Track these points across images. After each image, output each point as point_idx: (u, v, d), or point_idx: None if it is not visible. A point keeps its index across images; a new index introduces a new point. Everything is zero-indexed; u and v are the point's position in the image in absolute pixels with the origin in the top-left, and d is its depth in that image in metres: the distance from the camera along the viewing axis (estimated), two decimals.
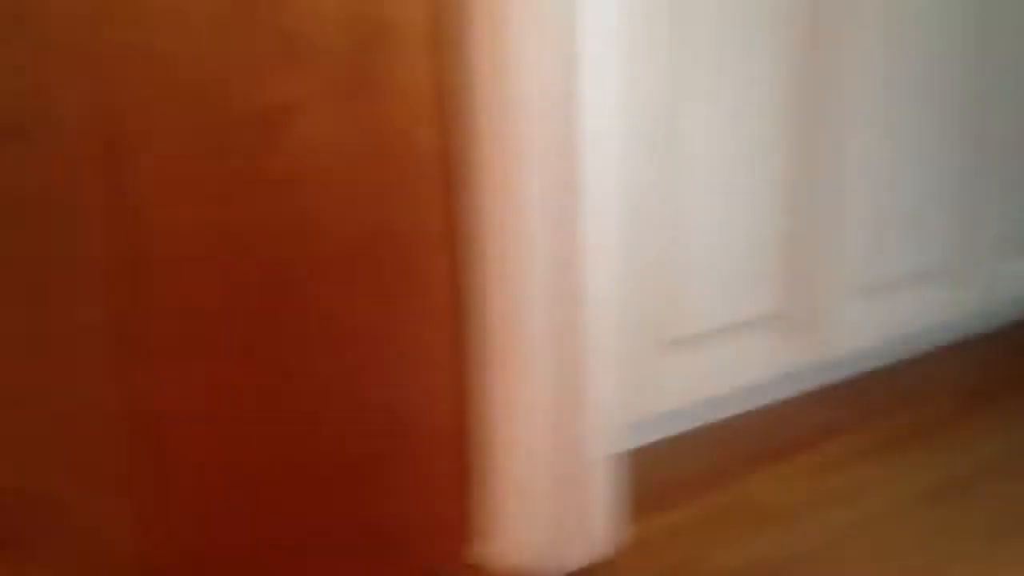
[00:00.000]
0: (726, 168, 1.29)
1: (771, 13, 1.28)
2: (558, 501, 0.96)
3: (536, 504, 0.96)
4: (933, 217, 1.58)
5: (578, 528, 0.99)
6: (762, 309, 1.38)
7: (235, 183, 0.73)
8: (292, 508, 0.82)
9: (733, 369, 1.37)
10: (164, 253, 0.71)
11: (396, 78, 0.78)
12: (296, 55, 0.72)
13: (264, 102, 0.72)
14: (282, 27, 0.71)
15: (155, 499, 0.75)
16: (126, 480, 0.75)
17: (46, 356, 0.74)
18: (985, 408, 1.45)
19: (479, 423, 0.93)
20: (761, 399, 1.48)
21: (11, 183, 0.69)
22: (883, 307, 1.53)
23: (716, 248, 1.30)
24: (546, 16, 0.82)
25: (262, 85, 0.71)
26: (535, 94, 0.84)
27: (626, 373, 1.15)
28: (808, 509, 1.15)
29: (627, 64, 1.12)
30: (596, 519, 1.00)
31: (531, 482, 0.95)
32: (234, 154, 0.72)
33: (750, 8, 1.26)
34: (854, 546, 1.07)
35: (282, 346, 0.78)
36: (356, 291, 0.81)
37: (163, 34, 0.67)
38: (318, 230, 0.77)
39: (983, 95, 1.61)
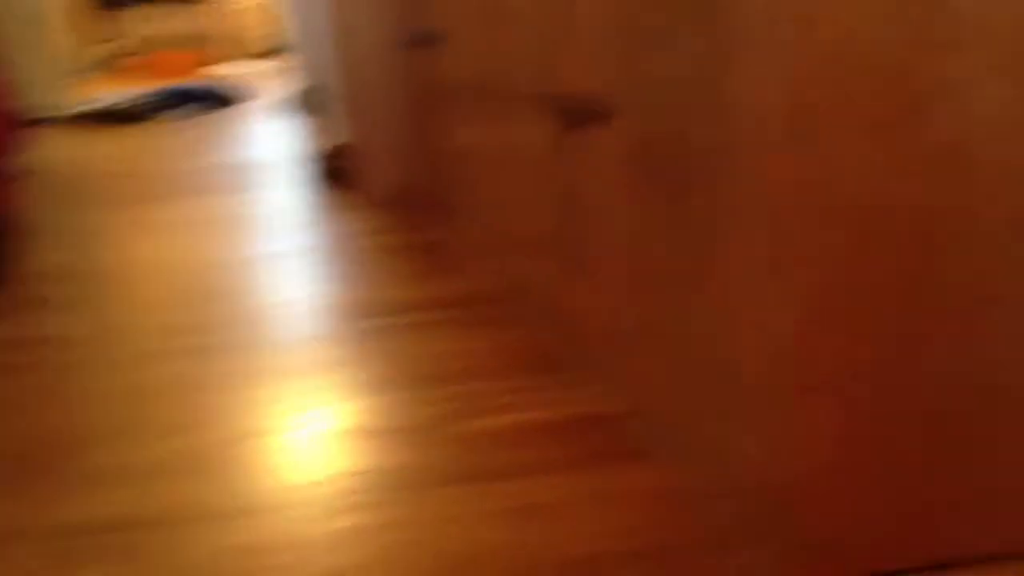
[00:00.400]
0: None
1: None
2: None
3: None
4: None
5: None
6: None
7: (899, 157, 0.78)
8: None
9: None
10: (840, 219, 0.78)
11: None
12: (965, 34, 0.77)
13: (934, 78, 0.77)
14: (953, 7, 0.76)
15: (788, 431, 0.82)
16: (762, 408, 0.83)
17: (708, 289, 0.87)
18: None
19: None
20: None
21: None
22: None
23: None
24: None
25: (937, 62, 0.77)
26: None
27: None
28: None
29: None
30: None
31: None
32: (901, 128, 0.77)
33: None
34: None
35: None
36: (1002, 276, 0.82)
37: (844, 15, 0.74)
38: (967, 209, 0.80)
39: None
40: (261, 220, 2.25)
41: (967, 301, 0.83)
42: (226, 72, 5.23)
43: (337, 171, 2.48)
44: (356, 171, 2.40)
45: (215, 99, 4.18)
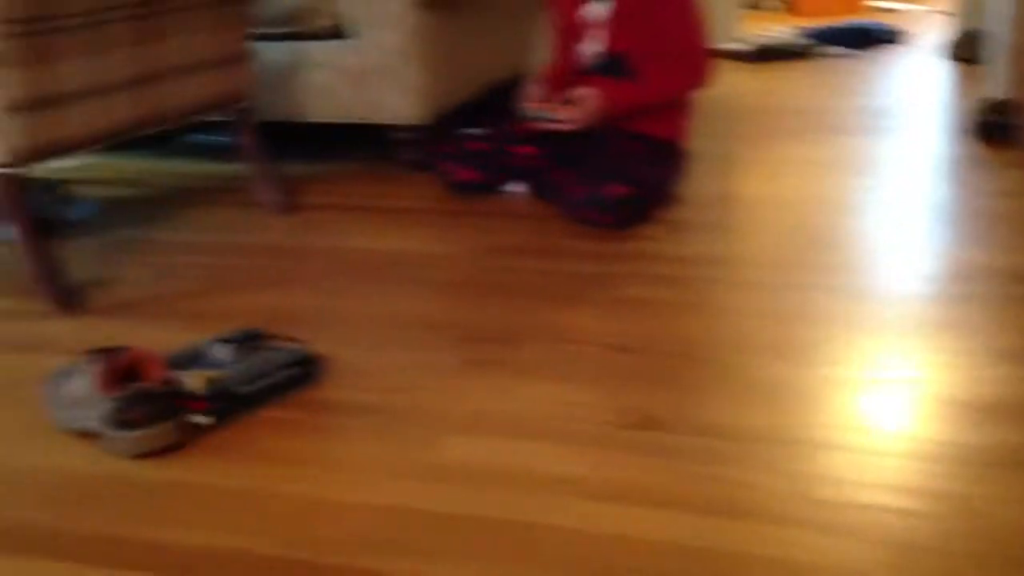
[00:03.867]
0: None
1: None
2: None
3: None
4: None
5: None
6: None
7: None
8: None
9: None
10: None
11: None
12: None
13: None
14: None
15: None
16: None
17: None
18: None
19: None
20: None
21: None
22: None
23: None
24: None
25: None
26: None
27: None
28: None
29: None
30: None
31: None
32: None
33: None
34: None
35: None
36: None
37: None
38: None
39: None
40: (898, 167, 2.27)
41: None
42: (887, 11, 5.14)
43: (994, 126, 2.37)
44: (1018, 128, 2.27)
45: (875, 38, 4.16)
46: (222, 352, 1.25)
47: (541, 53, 2.96)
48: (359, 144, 2.64)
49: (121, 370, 1.16)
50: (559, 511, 1.00)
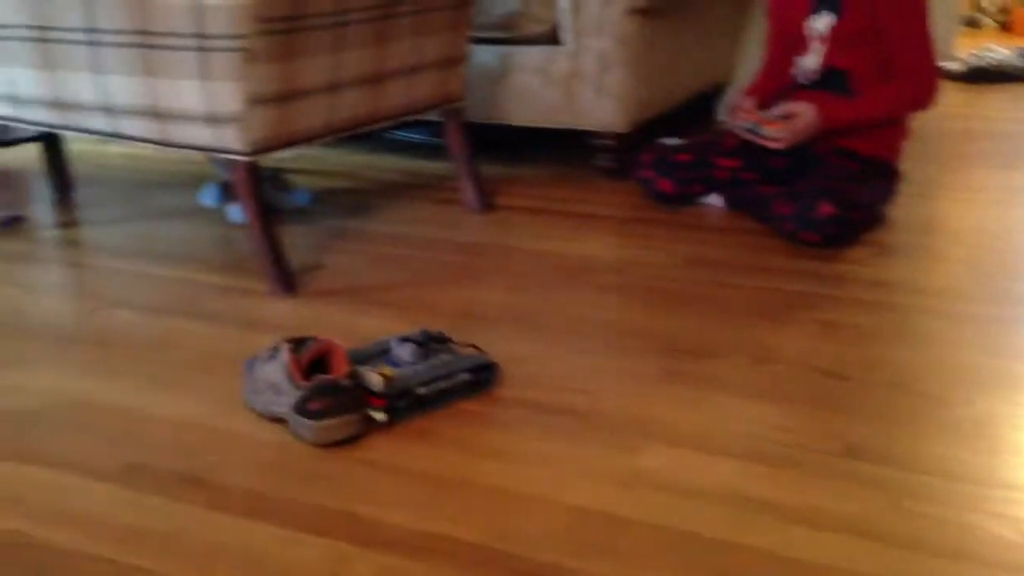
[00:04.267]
0: None
1: None
2: None
3: None
4: None
5: None
6: None
7: None
8: None
9: None
10: None
11: None
12: None
13: None
14: None
15: None
16: None
17: None
18: None
19: None
20: None
21: None
22: None
23: None
24: None
25: None
26: None
27: None
28: None
29: None
30: None
31: None
32: None
33: None
34: None
35: None
36: None
37: None
38: None
39: None
40: None
41: None
42: None
43: None
44: None
45: None
46: (404, 351, 1.29)
47: (747, 64, 2.91)
48: (556, 148, 2.68)
49: (310, 360, 1.22)
50: (754, 531, 0.99)
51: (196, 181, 2.41)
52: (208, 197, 2.17)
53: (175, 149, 1.63)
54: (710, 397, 1.28)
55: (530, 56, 2.29)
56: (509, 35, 2.29)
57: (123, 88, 1.59)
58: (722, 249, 1.86)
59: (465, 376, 1.27)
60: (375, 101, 1.80)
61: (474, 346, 1.34)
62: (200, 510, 1.05)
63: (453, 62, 1.97)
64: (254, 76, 1.51)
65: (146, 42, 1.53)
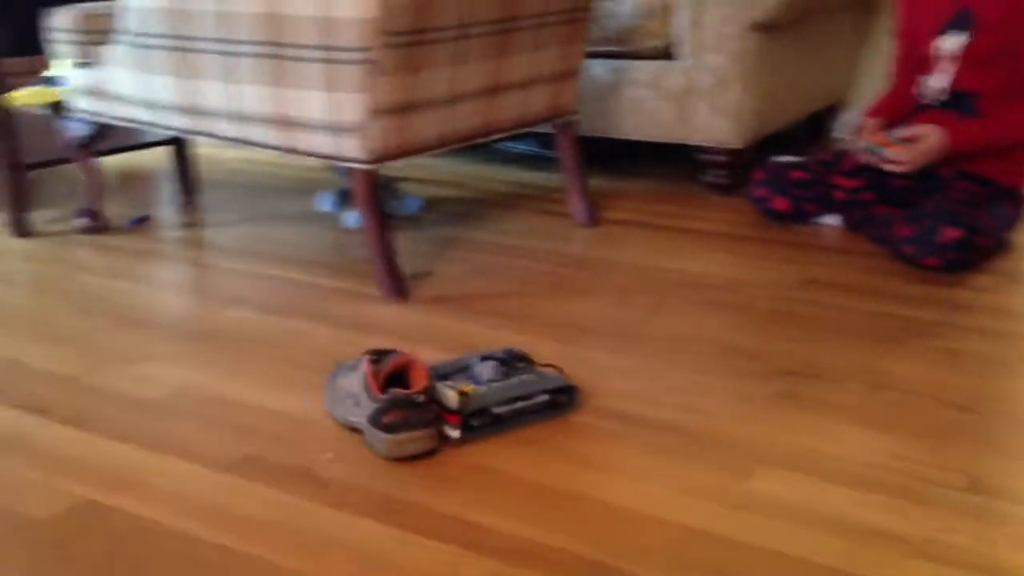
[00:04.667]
0: None
1: None
2: None
3: None
4: None
5: None
6: None
7: None
8: None
9: None
10: None
11: None
12: None
13: None
14: None
15: None
16: None
17: None
18: None
19: None
20: None
21: None
22: None
23: None
24: None
25: None
26: None
27: None
28: None
29: None
30: None
31: None
32: None
33: None
34: None
35: None
36: None
37: None
38: None
39: None
40: None
41: None
42: None
43: None
44: None
45: None
46: (486, 369, 1.29)
47: (867, 82, 2.85)
48: (664, 163, 2.66)
49: (389, 373, 1.22)
50: (870, 562, 0.96)
51: (311, 187, 2.48)
52: (324, 203, 2.23)
53: (298, 156, 1.68)
54: (824, 422, 1.25)
55: (644, 71, 2.28)
56: (624, 49, 2.29)
57: (253, 96, 1.66)
58: (838, 270, 1.81)
59: (544, 397, 1.26)
60: (491, 113, 1.82)
61: (555, 366, 1.34)
62: (315, 505, 1.08)
63: (568, 75, 1.98)
64: (377, 88, 1.55)
65: (276, 53, 1.59)
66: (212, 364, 1.45)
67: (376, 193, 1.67)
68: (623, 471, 1.14)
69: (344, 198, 2.20)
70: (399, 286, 1.71)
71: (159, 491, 1.11)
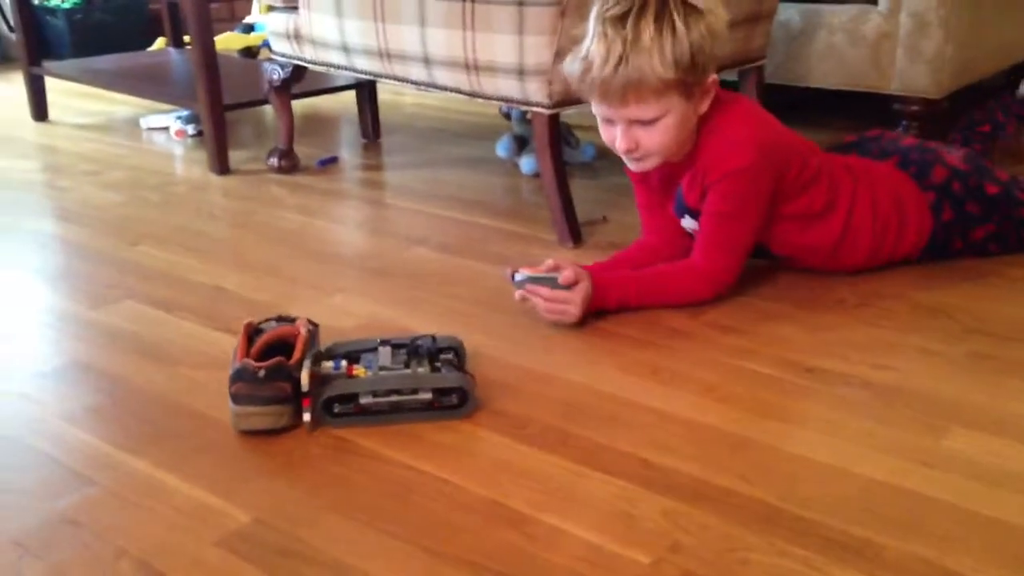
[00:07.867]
0: None
1: None
2: None
3: None
4: None
5: None
6: None
7: None
8: None
9: None
10: None
11: None
12: None
13: None
14: None
15: None
16: None
17: None
18: None
19: None
20: None
21: None
22: None
23: None
24: None
25: None
26: None
27: None
28: None
29: None
30: None
31: None
32: None
33: None
34: None
35: None
36: None
37: None
38: None
39: None
40: None
41: None
42: None
43: None
44: None
45: None
46: (383, 355, 1.18)
47: None
48: (849, 112, 2.54)
49: (265, 343, 1.15)
50: None
51: (485, 134, 2.51)
52: (503, 149, 2.26)
53: (482, 100, 1.71)
54: (1020, 384, 1.18)
55: (839, 15, 2.17)
56: None
57: (443, 40, 1.69)
58: None
59: (427, 395, 1.14)
60: None
61: (465, 370, 1.19)
62: (491, 434, 1.11)
63: (762, 17, 1.91)
64: (566, 30, 1.55)
65: None
66: (395, 298, 1.51)
67: (557, 138, 1.68)
68: (807, 424, 1.12)
69: (519, 144, 2.22)
70: (574, 231, 1.72)
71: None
